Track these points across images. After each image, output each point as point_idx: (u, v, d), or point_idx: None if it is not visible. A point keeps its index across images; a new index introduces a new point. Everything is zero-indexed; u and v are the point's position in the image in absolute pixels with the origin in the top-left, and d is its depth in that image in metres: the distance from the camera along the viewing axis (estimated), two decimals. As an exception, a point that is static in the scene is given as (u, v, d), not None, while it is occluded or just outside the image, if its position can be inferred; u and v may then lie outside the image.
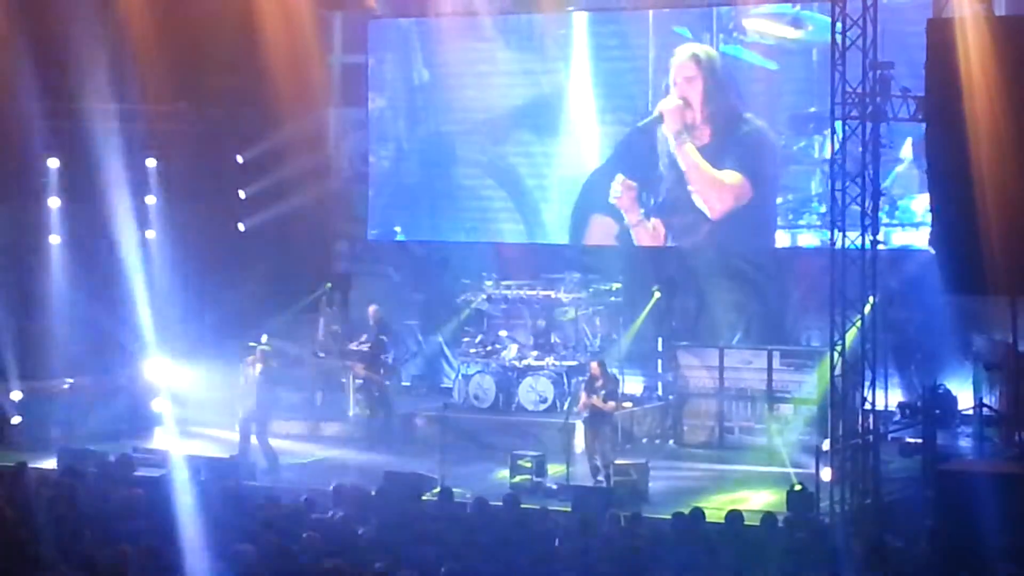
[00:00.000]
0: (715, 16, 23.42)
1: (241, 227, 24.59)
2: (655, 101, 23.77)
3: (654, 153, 23.71)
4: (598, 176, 24.29)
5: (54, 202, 22.78)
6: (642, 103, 23.92)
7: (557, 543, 13.76)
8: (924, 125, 18.46)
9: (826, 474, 17.17)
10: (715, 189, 23.49)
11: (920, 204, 21.65)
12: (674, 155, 23.60)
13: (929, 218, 19.61)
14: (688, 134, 23.48)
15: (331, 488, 15.74)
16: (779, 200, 23.34)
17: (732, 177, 23.39)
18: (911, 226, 22.10)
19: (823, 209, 22.16)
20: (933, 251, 19.55)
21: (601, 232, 24.33)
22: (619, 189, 23.90)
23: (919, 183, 21.36)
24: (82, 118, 22.70)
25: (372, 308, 23.71)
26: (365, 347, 22.92)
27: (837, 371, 17.49)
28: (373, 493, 15.60)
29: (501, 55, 24.88)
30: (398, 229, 25.99)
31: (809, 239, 23.04)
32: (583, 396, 19.32)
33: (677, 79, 23.55)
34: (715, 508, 15.95)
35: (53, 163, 22.70)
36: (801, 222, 23.04)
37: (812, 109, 22.57)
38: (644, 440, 22.03)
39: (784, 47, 23.06)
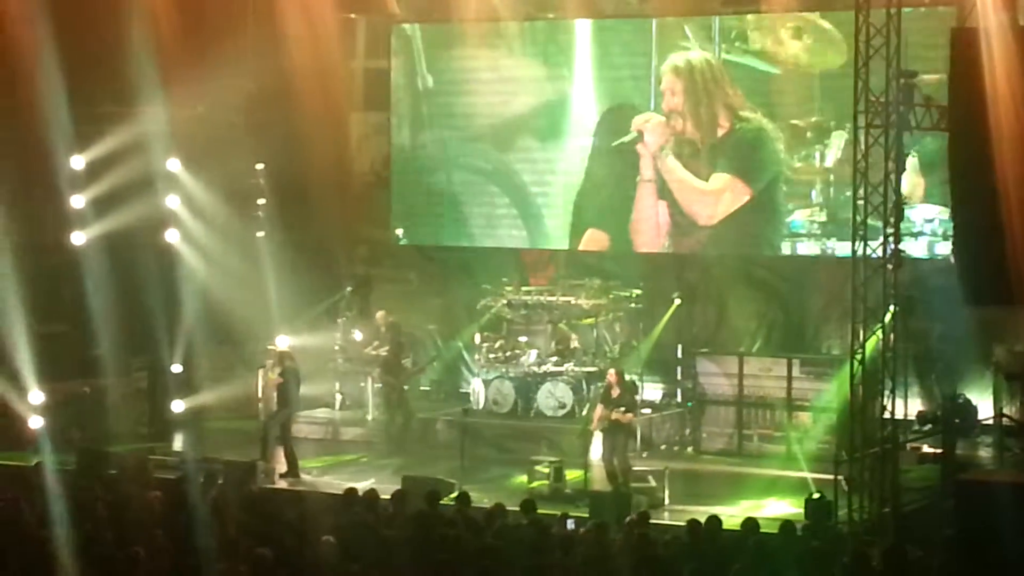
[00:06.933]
0: (717, 27, 23.16)
1: (260, 234, 24.59)
2: (658, 109, 23.63)
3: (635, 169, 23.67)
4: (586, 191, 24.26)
5: (76, 202, 22.75)
6: (645, 110, 23.71)
7: (574, 549, 13.73)
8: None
9: (844, 483, 17.11)
10: (700, 201, 23.31)
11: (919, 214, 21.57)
12: (659, 169, 23.51)
13: (928, 228, 19.89)
14: (672, 148, 23.34)
15: (346, 492, 15.76)
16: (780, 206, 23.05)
17: (719, 181, 23.17)
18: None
19: (824, 218, 22.29)
20: (953, 260, 19.48)
21: (596, 245, 24.31)
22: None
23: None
24: (104, 121, 22.77)
25: (380, 313, 23.64)
26: (384, 351, 22.92)
27: (856, 380, 17.46)
28: (391, 497, 15.60)
29: (504, 61, 24.71)
30: (399, 233, 25.68)
31: (809, 247, 22.79)
32: (599, 409, 19.25)
33: (664, 94, 23.41)
34: (732, 516, 15.90)
35: (78, 163, 22.68)
36: (801, 231, 22.88)
37: (813, 119, 22.51)
38: (663, 447, 22.03)
39: (786, 55, 22.80)
